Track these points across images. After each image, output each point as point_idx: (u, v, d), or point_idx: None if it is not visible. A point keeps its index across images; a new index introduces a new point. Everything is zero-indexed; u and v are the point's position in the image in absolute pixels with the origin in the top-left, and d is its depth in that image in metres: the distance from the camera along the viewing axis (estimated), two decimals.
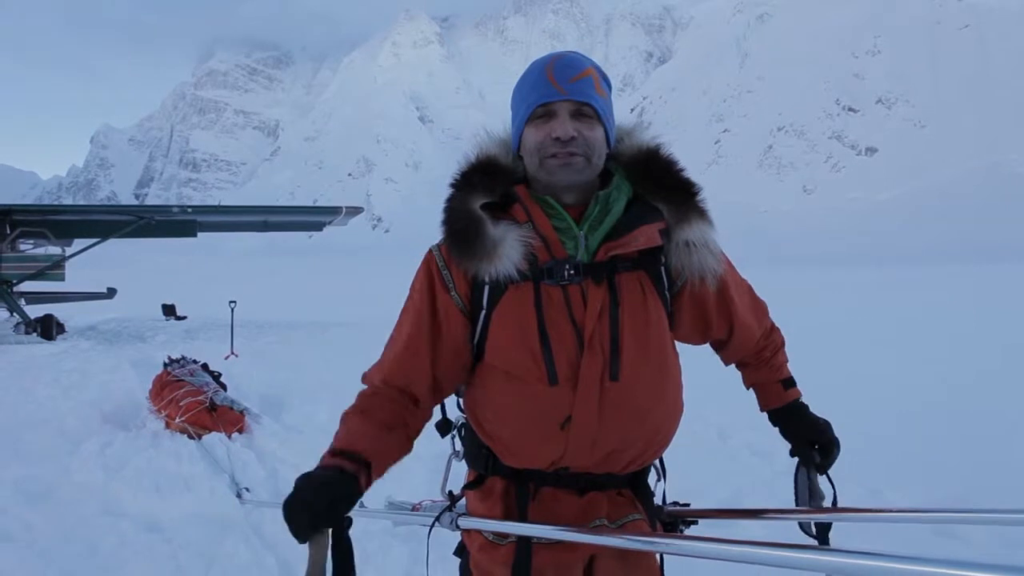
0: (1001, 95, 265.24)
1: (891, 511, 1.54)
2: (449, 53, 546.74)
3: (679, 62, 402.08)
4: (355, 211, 17.25)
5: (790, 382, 1.64)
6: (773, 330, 1.66)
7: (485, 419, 1.44)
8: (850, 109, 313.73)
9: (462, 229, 1.38)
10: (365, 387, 1.48)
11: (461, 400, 1.56)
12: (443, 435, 1.57)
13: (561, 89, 1.37)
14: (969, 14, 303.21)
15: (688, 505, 1.63)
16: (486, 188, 1.41)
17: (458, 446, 1.54)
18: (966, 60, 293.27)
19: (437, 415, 1.58)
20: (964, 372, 8.20)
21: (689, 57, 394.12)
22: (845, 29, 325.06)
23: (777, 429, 1.65)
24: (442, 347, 1.43)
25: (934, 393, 7.04)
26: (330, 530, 1.28)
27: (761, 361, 1.63)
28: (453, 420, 1.57)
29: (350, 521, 1.31)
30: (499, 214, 1.40)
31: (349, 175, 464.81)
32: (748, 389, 1.69)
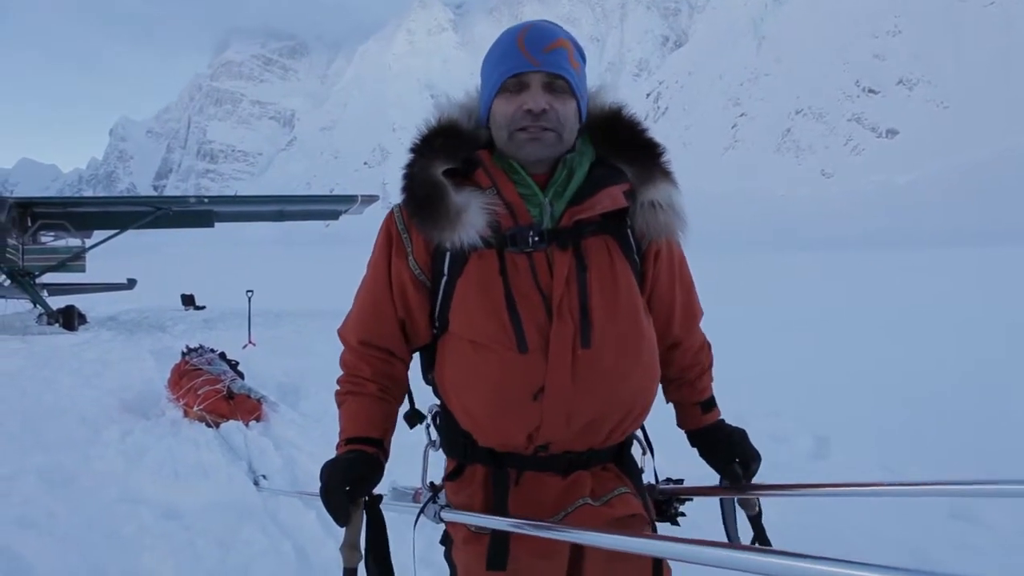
0: None
1: (901, 485, 1.48)
2: (463, 40, 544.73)
3: (695, 46, 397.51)
4: (371, 199, 17.28)
5: (710, 404, 1.57)
6: (702, 348, 1.59)
7: (457, 394, 1.39)
8: (870, 90, 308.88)
9: (424, 196, 1.34)
10: (344, 349, 1.50)
11: (432, 386, 1.52)
12: (412, 426, 1.53)
13: (534, 60, 1.31)
14: None
15: (682, 481, 1.57)
16: (448, 153, 1.37)
17: (434, 435, 1.50)
18: (991, 39, 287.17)
19: (405, 405, 1.54)
20: (984, 353, 8.07)
21: (705, 40, 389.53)
22: (865, 8, 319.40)
23: (696, 450, 1.58)
24: (400, 308, 1.43)
25: (953, 375, 6.93)
26: (364, 508, 1.36)
27: (684, 381, 1.56)
28: (427, 409, 1.52)
29: (380, 498, 1.39)
30: (461, 180, 1.36)
31: (365, 164, 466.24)
32: (667, 403, 1.62)
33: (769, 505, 3.05)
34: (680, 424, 1.61)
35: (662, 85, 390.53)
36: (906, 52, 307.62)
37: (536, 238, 1.31)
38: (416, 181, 1.36)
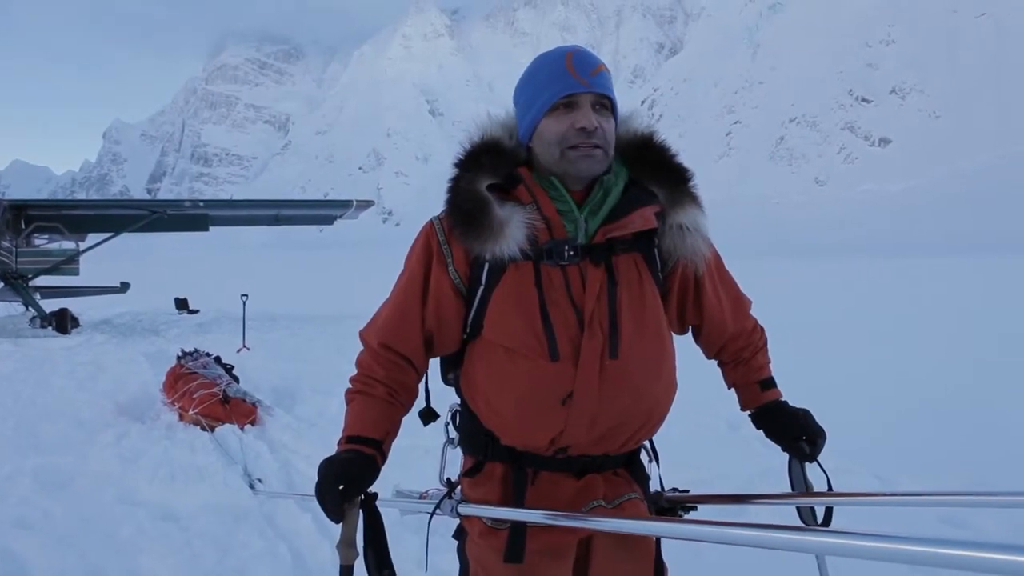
0: (1019, 85, 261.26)
1: (894, 495, 1.56)
2: (459, 46, 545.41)
3: (690, 53, 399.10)
4: (366, 204, 17.31)
5: (768, 383, 1.63)
6: (755, 330, 1.65)
7: (485, 396, 1.44)
8: (863, 99, 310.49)
9: (469, 210, 1.39)
10: (362, 349, 1.54)
11: (455, 388, 1.57)
12: (425, 423, 1.58)
13: (584, 81, 1.39)
14: (986, 2, 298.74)
15: (687, 491, 1.63)
16: (492, 169, 1.43)
17: (452, 434, 1.56)
18: (983, 49, 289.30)
19: (420, 402, 1.59)
20: (976, 361, 8.13)
21: (700, 48, 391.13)
22: (859, 18, 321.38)
23: (762, 432, 1.64)
24: (432, 318, 1.47)
25: (944, 383, 6.98)
26: (359, 505, 1.39)
27: (739, 361, 1.62)
28: (448, 407, 1.59)
29: (376, 495, 1.42)
30: (503, 195, 1.42)
31: (359, 169, 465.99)
32: (729, 389, 1.69)
33: (761, 513, 3.09)
34: (743, 406, 1.66)
35: (657, 92, 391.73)
36: (899, 62, 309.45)
37: (571, 252, 1.38)
38: (463, 195, 1.41)
